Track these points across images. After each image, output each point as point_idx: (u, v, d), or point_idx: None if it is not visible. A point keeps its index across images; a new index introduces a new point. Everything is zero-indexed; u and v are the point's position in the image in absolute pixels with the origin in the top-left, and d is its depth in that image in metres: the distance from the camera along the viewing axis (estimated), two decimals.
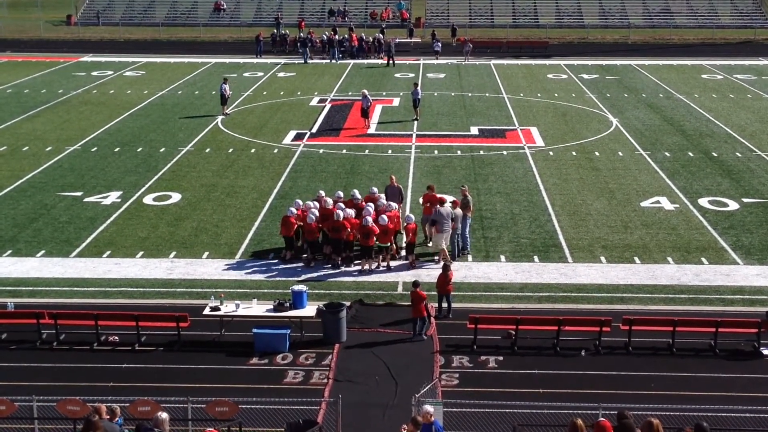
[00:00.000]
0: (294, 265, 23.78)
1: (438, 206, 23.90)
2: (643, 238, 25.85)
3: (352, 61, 60.65)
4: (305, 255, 24.03)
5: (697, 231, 26.44)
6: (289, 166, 33.43)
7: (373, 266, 23.51)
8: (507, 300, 21.78)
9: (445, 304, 20.88)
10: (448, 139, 37.89)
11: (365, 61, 60.51)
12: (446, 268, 20.96)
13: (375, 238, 23.17)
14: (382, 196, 25.40)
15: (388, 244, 23.73)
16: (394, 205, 24.89)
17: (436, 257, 24.11)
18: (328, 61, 60.75)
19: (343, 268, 23.57)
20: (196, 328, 19.74)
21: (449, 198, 25.54)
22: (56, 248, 25.10)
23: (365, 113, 39.98)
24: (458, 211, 24.22)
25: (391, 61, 58.86)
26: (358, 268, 23.51)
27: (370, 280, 22.96)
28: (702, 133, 38.93)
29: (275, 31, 66.99)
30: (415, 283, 20.15)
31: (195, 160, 34.37)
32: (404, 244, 24.20)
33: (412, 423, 13.47)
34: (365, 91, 40.75)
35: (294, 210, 24.03)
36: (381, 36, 63.79)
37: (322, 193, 25.55)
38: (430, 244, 25.12)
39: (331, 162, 34.09)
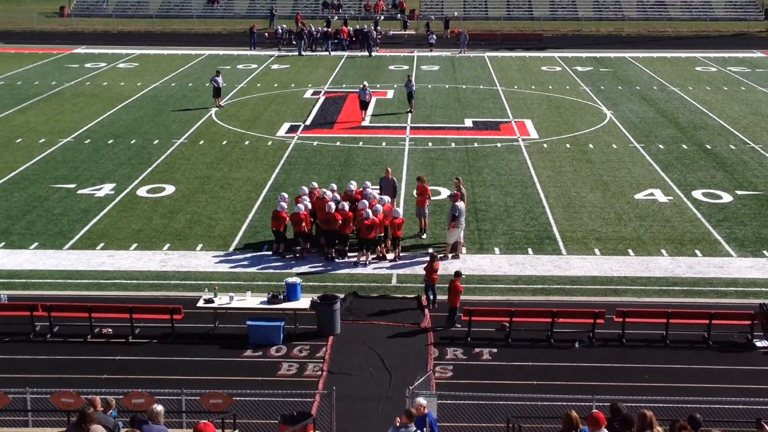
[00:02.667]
0: (288, 257, 23.78)
1: (457, 201, 23.64)
2: (637, 230, 25.89)
3: (345, 54, 60.51)
4: (298, 247, 23.99)
5: (691, 223, 26.49)
6: (283, 159, 33.38)
7: (371, 257, 23.46)
8: (501, 292, 21.79)
9: (431, 295, 20.86)
10: (442, 131, 37.84)
11: (358, 54, 60.34)
12: (433, 258, 20.93)
13: (375, 231, 23.11)
14: (371, 189, 25.15)
15: (383, 234, 23.73)
16: (387, 198, 24.81)
17: (430, 250, 24.12)
18: (324, 53, 60.61)
19: (337, 260, 23.56)
20: (189, 321, 19.73)
21: (443, 190, 25.48)
22: (50, 240, 25.05)
23: (365, 105, 39.87)
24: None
25: (370, 52, 58.66)
26: (354, 260, 23.49)
27: (364, 272, 22.95)
28: (696, 125, 38.97)
29: (277, 27, 66.48)
30: (457, 273, 20.23)
31: (189, 153, 34.30)
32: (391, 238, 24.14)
33: (405, 415, 13.48)
34: (365, 83, 40.64)
35: (284, 204, 23.95)
36: (364, 27, 63.35)
37: (315, 184, 25.49)
38: (424, 237, 25.13)
39: (325, 154, 34.04)
